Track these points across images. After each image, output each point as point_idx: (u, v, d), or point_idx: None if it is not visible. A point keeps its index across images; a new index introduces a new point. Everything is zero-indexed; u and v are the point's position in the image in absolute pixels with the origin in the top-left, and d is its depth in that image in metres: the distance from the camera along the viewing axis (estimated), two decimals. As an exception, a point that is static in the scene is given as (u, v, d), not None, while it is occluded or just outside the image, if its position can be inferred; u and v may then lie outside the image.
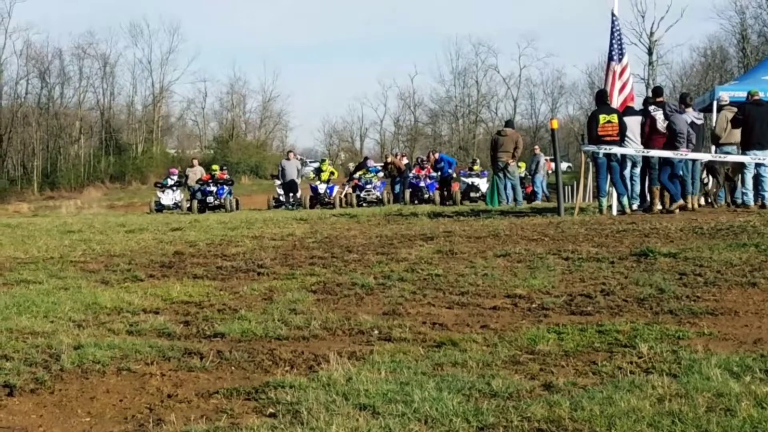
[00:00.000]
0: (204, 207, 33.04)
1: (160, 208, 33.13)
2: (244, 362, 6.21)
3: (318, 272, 10.36)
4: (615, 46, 17.70)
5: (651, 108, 17.45)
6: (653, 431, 4.41)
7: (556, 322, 7.29)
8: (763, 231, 12.48)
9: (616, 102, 17.63)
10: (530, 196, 32.82)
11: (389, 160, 36.26)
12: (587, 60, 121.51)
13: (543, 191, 34.77)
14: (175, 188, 34.04)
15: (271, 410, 5.02)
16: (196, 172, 34.88)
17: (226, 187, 33.82)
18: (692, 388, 5.10)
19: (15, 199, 64.51)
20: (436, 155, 36.56)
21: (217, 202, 33.23)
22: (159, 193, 34.10)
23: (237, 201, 34.11)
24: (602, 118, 16.95)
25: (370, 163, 37.47)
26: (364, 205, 31.99)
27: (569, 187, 36.87)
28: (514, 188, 25.72)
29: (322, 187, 33.43)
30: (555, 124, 19.42)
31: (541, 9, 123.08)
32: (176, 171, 36.49)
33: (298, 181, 33.93)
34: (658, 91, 18.83)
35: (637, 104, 18.43)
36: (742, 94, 18.79)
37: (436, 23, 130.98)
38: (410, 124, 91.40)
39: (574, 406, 4.81)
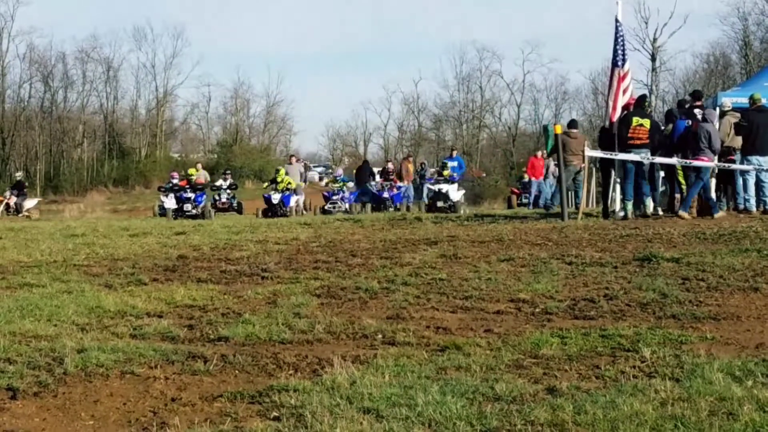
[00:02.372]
0: (179, 215, 30.05)
1: (163, 212, 32.90)
2: (248, 366, 6.22)
3: (322, 276, 10.37)
4: (619, 51, 17.71)
5: (696, 111, 17.48)
6: (656, 435, 4.42)
7: (559, 327, 7.31)
8: (765, 236, 12.48)
9: (618, 106, 17.59)
10: (536, 201, 32.48)
11: (390, 166, 35.69)
12: (591, 66, 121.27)
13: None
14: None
15: (275, 414, 5.04)
16: (200, 177, 34.58)
17: (206, 194, 31.56)
18: (695, 392, 5.11)
19: (18, 203, 64.48)
20: (454, 153, 36.28)
21: (194, 211, 30.27)
22: (162, 198, 33.86)
23: (240, 205, 33.92)
24: (635, 120, 16.99)
25: (339, 172, 35.85)
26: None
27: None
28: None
29: (276, 197, 30.40)
30: (558, 129, 19.40)
31: (545, 15, 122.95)
32: (176, 174, 36.22)
33: (303, 185, 33.77)
34: (698, 94, 19.00)
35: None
36: (744, 100, 18.76)
37: (441, 29, 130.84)
38: (414, 129, 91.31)
39: (578, 410, 4.83)
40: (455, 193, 30.44)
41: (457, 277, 10.03)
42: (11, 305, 8.58)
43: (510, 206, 33.61)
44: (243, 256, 12.69)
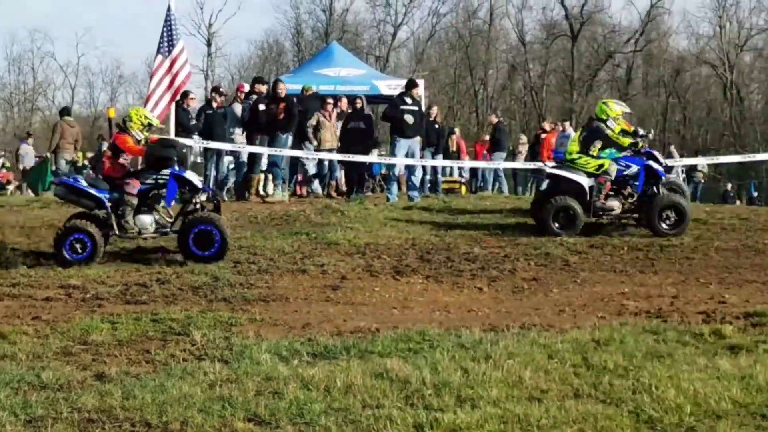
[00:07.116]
0: None
1: None
2: None
3: None
4: (165, 39, 17.48)
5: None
6: (204, 416, 4.49)
7: (110, 312, 7.24)
8: (315, 220, 13.00)
9: (163, 96, 17.22)
10: None
11: None
12: (147, 50, 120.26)
13: None
14: None
15: None
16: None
17: None
18: (243, 372, 5.24)
19: None
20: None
21: None
22: None
23: None
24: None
25: None
26: None
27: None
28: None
29: None
30: (112, 113, 19.07)
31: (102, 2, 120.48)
32: None
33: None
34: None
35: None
36: (297, 87, 19.35)
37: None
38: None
39: (126, 395, 4.80)
40: None
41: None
42: None
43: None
44: None
